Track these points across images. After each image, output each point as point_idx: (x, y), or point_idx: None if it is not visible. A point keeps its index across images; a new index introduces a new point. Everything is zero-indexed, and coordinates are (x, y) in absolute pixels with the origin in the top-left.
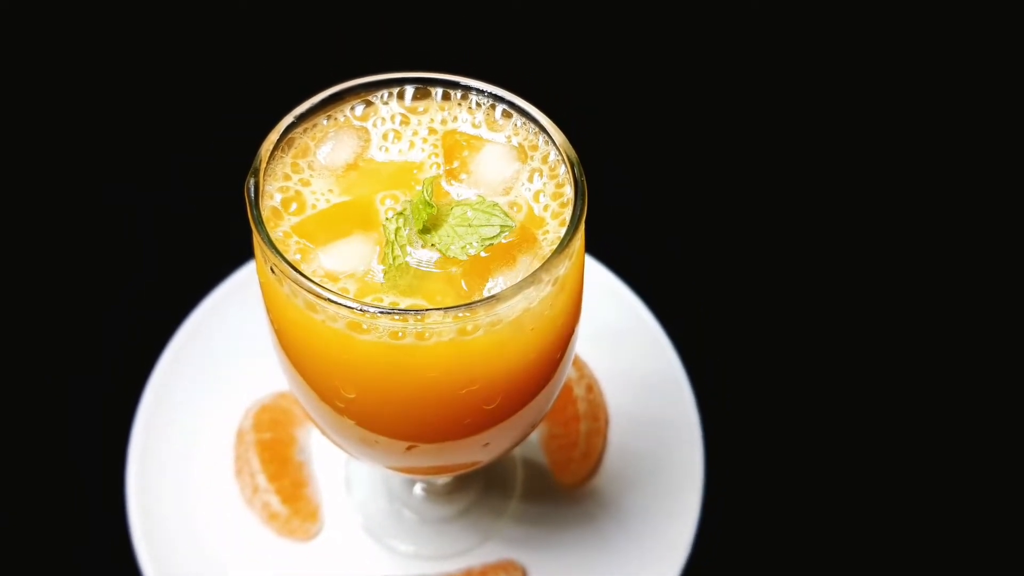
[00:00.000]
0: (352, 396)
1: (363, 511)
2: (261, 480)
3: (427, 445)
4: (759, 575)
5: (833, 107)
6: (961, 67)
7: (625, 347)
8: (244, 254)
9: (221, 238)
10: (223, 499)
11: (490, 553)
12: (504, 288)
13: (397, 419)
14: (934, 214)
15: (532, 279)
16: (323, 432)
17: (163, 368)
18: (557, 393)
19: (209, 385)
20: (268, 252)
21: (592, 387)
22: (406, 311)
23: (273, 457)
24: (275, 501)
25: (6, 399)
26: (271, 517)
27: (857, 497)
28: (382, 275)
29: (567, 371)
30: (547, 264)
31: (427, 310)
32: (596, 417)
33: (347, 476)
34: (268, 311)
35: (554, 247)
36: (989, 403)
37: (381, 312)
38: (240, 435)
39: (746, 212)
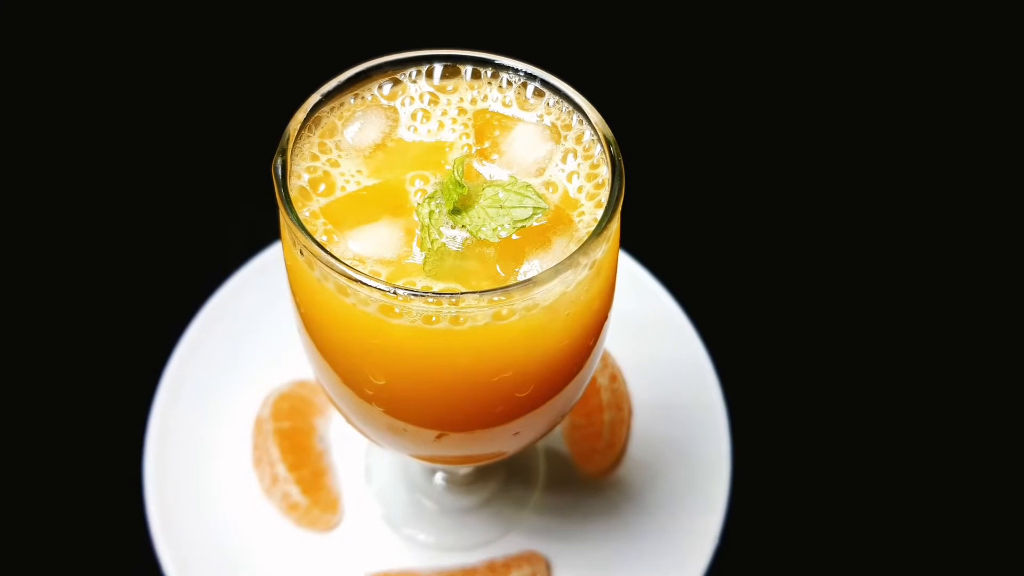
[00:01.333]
0: (382, 383)
1: (383, 501)
2: (280, 470)
3: (457, 434)
4: (790, 565)
5: (834, 105)
6: (964, 66)
7: (648, 335)
8: (251, 244)
9: (221, 234)
10: (242, 489)
11: (512, 544)
12: (541, 271)
13: (427, 406)
14: (934, 209)
15: (570, 262)
16: (348, 420)
17: (180, 357)
18: (588, 380)
19: (227, 374)
20: (298, 233)
21: (616, 376)
22: (440, 294)
23: (292, 447)
24: (295, 491)
25: (11, 399)
26: (291, 508)
27: (888, 484)
28: (422, 259)
29: (599, 357)
30: (585, 247)
31: (462, 293)
32: (620, 407)
33: (367, 465)
34: (294, 295)
35: (590, 229)
36: (994, 397)
37: (415, 295)
38: (259, 424)
39: (750, 201)
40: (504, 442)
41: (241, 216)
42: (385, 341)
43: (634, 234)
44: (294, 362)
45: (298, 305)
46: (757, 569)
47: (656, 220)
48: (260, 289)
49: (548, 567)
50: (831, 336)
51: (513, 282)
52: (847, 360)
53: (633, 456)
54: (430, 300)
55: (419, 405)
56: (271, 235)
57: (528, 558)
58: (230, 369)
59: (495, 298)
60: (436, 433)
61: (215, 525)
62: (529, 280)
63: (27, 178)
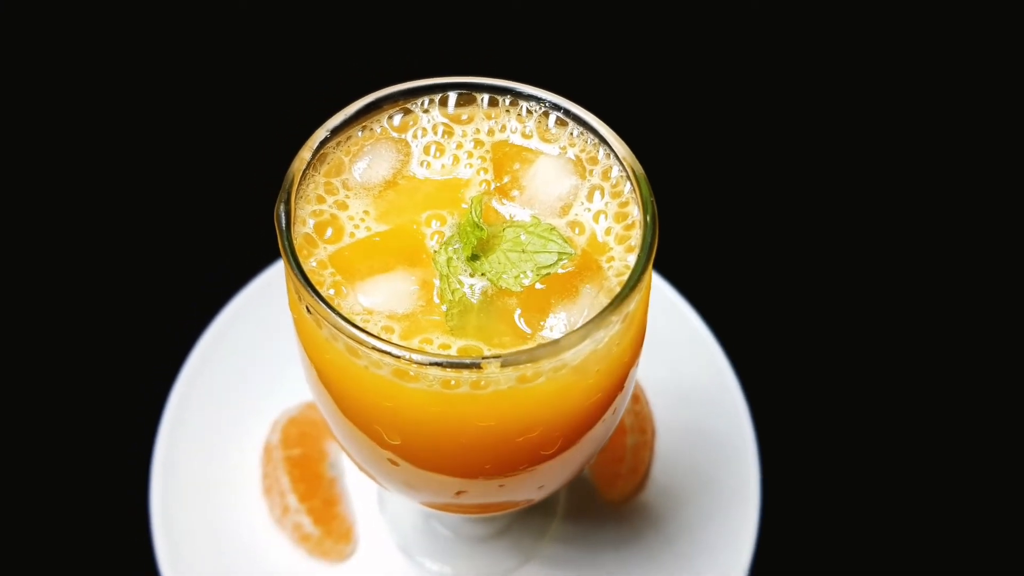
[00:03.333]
0: (397, 442)
1: (397, 528)
2: (291, 500)
3: (477, 490)
4: None
5: (839, 108)
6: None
7: (673, 354)
8: (262, 257)
9: (229, 244)
10: (252, 518)
11: (532, 575)
12: (568, 331)
13: (445, 466)
14: (950, 212)
15: (600, 321)
16: (360, 468)
17: (186, 379)
18: (617, 422)
19: (234, 396)
20: (304, 291)
21: (639, 398)
22: (460, 363)
23: (303, 475)
24: (307, 522)
25: (14, 421)
26: (303, 538)
27: (928, 517)
28: (439, 312)
29: (628, 398)
30: (616, 304)
31: (483, 359)
32: (643, 430)
33: (380, 491)
34: (301, 346)
35: (621, 277)
36: None
37: (432, 363)
38: (268, 451)
39: (782, 219)
40: (528, 494)
41: (234, 236)
42: (400, 404)
43: (661, 250)
44: (304, 384)
45: (308, 358)
46: None
47: (685, 236)
48: (268, 306)
49: None
50: (865, 359)
51: (539, 343)
52: (882, 383)
53: (657, 481)
54: (449, 369)
55: (437, 464)
56: (273, 252)
57: None
58: (238, 391)
59: (520, 363)
60: (455, 490)
61: (224, 555)
62: (556, 342)
63: (26, 183)
